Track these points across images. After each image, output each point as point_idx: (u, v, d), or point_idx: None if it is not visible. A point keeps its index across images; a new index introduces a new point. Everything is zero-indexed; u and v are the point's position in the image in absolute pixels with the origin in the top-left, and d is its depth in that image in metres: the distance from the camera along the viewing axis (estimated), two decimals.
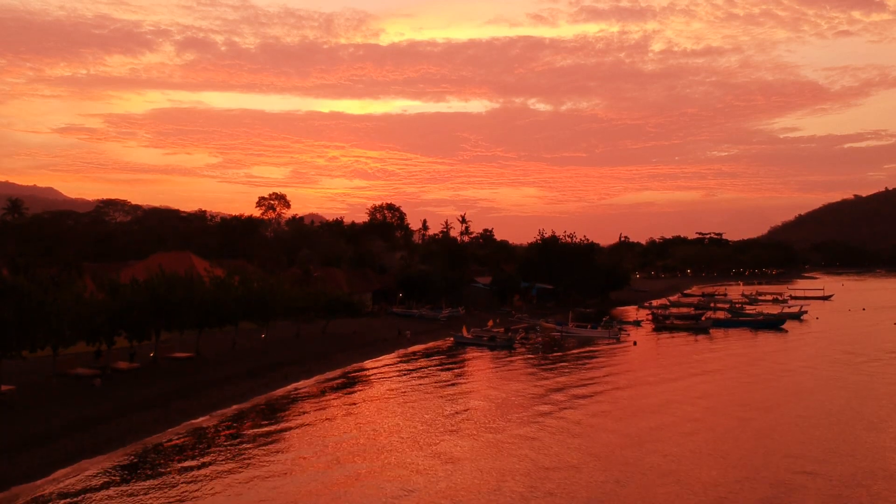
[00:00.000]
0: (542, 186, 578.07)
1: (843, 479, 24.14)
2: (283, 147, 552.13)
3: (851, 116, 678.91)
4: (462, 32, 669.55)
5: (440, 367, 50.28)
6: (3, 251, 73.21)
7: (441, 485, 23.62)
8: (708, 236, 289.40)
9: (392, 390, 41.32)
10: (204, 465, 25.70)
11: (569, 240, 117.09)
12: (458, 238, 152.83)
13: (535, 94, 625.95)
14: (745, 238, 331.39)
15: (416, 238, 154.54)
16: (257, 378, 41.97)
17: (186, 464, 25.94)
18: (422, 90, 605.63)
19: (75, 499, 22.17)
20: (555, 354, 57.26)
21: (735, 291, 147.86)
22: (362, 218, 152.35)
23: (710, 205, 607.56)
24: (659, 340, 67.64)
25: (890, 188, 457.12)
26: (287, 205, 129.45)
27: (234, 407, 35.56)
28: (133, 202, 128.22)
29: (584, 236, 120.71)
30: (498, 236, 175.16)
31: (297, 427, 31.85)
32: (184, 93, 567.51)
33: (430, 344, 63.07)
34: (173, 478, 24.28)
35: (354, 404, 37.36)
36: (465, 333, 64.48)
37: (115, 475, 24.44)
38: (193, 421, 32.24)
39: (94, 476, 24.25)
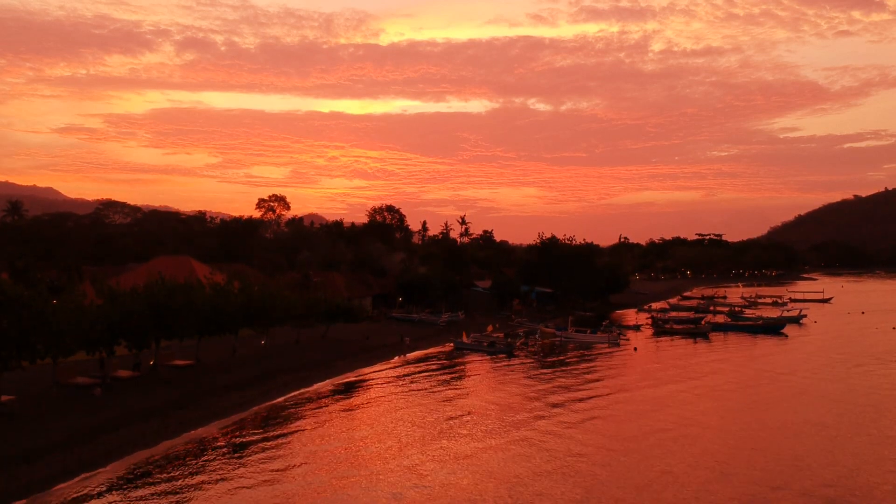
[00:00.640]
0: (542, 186, 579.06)
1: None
2: (282, 147, 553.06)
3: (851, 116, 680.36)
4: (462, 32, 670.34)
5: (440, 375, 50.32)
6: (4, 253, 73.18)
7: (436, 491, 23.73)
8: (708, 237, 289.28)
9: (391, 399, 41.31)
10: (204, 478, 25.71)
11: (569, 242, 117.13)
12: (458, 239, 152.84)
13: (535, 94, 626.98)
14: (745, 238, 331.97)
15: (416, 239, 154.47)
16: (257, 386, 41.97)
17: (186, 478, 25.95)
18: (422, 90, 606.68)
19: None
20: (554, 361, 57.26)
21: (735, 293, 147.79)
22: (362, 219, 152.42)
23: (709, 205, 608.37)
24: (658, 347, 67.61)
25: (890, 188, 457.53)
26: (287, 206, 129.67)
27: (235, 417, 35.60)
28: (133, 202, 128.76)
29: (584, 239, 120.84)
30: (498, 236, 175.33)
31: (297, 437, 31.89)
32: (183, 93, 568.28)
33: (430, 350, 63.06)
34: (173, 492, 24.31)
35: (354, 413, 37.41)
36: (464, 339, 64.49)
37: (115, 489, 24.46)
38: (194, 432, 32.26)
39: (95, 489, 24.29)
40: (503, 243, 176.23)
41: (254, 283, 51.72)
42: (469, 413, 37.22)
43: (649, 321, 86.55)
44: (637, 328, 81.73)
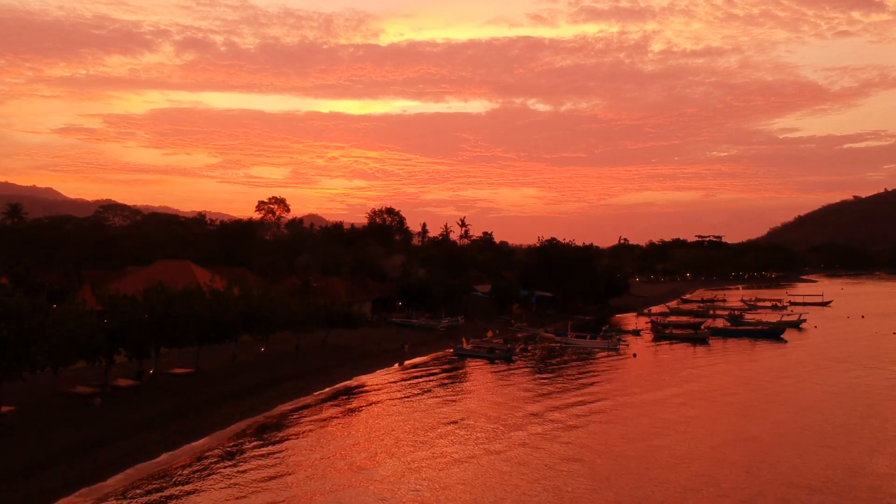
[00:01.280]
0: (542, 187, 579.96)
1: None
2: (282, 147, 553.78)
3: (851, 117, 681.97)
4: (462, 33, 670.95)
5: (439, 381, 50.32)
6: (3, 256, 73.09)
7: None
8: (707, 239, 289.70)
9: (391, 406, 41.37)
10: (205, 490, 25.72)
11: (568, 245, 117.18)
12: (458, 241, 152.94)
13: (535, 95, 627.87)
14: (745, 239, 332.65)
15: (416, 241, 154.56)
16: (257, 394, 41.97)
17: (187, 491, 25.94)
18: (421, 90, 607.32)
19: None
20: (553, 367, 57.30)
21: (734, 296, 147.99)
22: (362, 219, 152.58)
23: (709, 205, 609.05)
24: (658, 353, 67.63)
25: (889, 189, 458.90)
26: (286, 209, 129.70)
27: (235, 426, 35.58)
28: (132, 203, 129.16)
29: (584, 241, 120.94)
30: (497, 237, 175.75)
31: (297, 445, 31.93)
32: (183, 93, 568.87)
33: (430, 356, 63.04)
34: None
35: (354, 421, 37.45)
36: (464, 345, 64.52)
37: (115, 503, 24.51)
38: (195, 443, 32.26)
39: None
40: (503, 244, 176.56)
41: (254, 289, 51.74)
42: (467, 418, 37.74)
43: (649, 326, 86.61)
44: (637, 333, 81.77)
